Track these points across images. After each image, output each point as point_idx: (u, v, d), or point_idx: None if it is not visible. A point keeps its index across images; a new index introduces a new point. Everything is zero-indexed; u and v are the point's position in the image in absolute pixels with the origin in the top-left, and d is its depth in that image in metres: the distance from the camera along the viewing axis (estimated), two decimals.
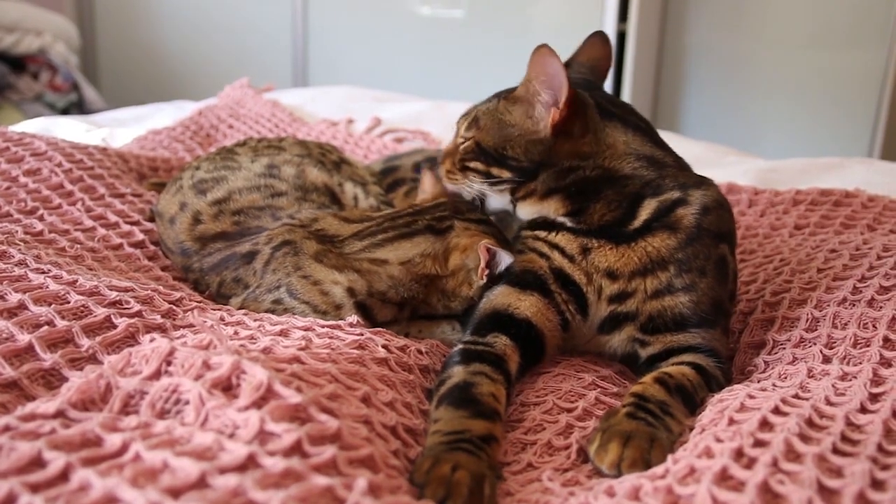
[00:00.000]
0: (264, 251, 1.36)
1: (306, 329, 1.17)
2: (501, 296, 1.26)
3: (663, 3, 4.12)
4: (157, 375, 0.90)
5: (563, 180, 1.27)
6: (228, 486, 0.70)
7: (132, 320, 1.13)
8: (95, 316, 1.12)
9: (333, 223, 1.39)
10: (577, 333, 1.29)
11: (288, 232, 1.37)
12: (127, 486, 0.69)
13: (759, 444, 0.85)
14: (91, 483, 0.70)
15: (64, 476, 0.72)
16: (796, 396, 1.00)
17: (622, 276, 1.24)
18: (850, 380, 1.05)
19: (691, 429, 1.01)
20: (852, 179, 2.08)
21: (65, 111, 4.18)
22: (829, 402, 0.97)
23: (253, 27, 4.87)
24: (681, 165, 1.32)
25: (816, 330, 1.23)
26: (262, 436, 0.79)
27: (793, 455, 0.82)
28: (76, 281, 1.20)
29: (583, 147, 1.27)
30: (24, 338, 1.02)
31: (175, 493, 0.69)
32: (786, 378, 1.12)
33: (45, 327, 1.06)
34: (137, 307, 1.18)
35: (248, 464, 0.74)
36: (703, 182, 1.31)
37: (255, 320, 1.23)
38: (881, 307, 1.21)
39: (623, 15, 3.98)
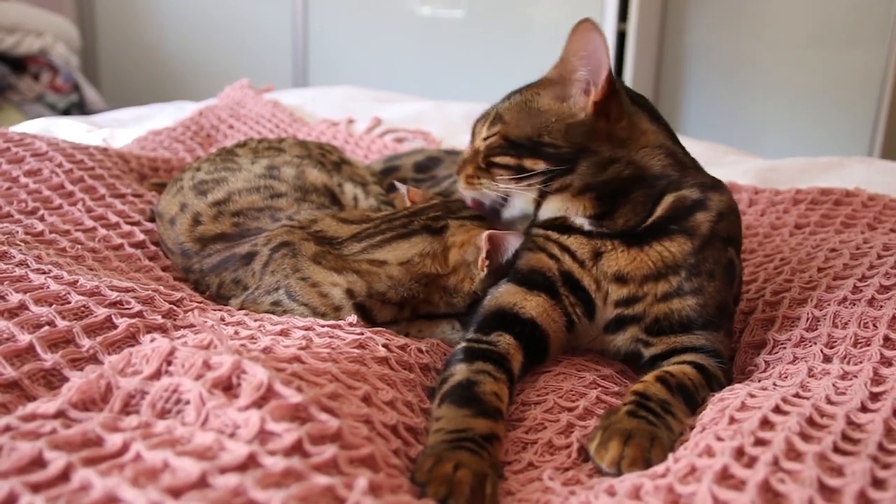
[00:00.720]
0: (263, 252, 1.36)
1: (306, 328, 1.17)
2: (507, 294, 1.26)
3: (663, 2, 4.12)
4: (157, 375, 0.90)
5: (601, 174, 1.23)
6: (229, 486, 0.70)
7: (133, 320, 1.13)
8: (96, 316, 1.12)
9: (332, 224, 1.39)
10: (582, 333, 1.29)
11: (286, 233, 1.37)
12: (128, 486, 0.69)
13: (759, 442, 0.85)
14: (92, 483, 0.70)
15: (65, 476, 0.72)
16: (797, 395, 1.00)
17: (633, 281, 1.23)
18: (851, 379, 1.05)
19: (692, 428, 1.01)
20: (852, 178, 2.07)
21: (65, 112, 4.18)
22: (829, 402, 0.97)
23: (253, 28, 4.87)
24: (695, 165, 1.32)
25: (817, 329, 1.23)
26: (263, 435, 0.79)
27: (793, 454, 0.82)
28: (77, 281, 1.20)
29: (620, 131, 1.24)
30: (24, 338, 1.02)
31: (176, 492, 0.69)
32: (786, 377, 1.12)
33: (46, 327, 1.06)
34: (138, 307, 1.18)
35: (249, 463, 0.74)
36: (718, 185, 1.30)
37: (256, 320, 1.23)
38: (881, 306, 1.21)
39: (623, 15, 3.99)
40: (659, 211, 1.24)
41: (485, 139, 1.31)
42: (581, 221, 1.27)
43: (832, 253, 1.47)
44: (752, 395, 1.01)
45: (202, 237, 1.47)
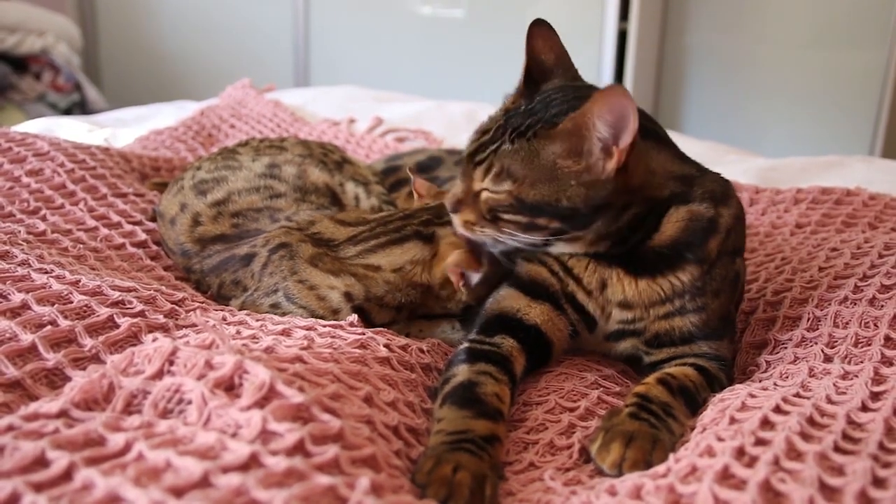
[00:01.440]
0: (261, 254, 1.36)
1: (308, 329, 1.17)
2: (510, 298, 1.25)
3: (664, 2, 4.12)
4: (159, 375, 0.90)
5: (616, 223, 1.16)
6: (231, 486, 0.70)
7: (135, 320, 1.14)
8: (98, 316, 1.12)
9: (329, 226, 1.39)
10: (584, 341, 1.29)
11: (284, 234, 1.37)
12: (130, 486, 0.69)
13: (760, 442, 0.85)
14: (94, 482, 0.70)
15: (67, 475, 0.72)
16: (797, 395, 1.00)
17: (638, 307, 1.21)
18: (852, 378, 1.05)
19: (693, 428, 1.01)
20: (853, 178, 2.07)
21: (67, 111, 4.18)
22: (830, 401, 0.97)
23: (254, 27, 4.87)
24: (699, 168, 1.27)
25: (818, 329, 1.23)
26: (265, 435, 0.79)
27: (794, 453, 0.82)
28: (79, 281, 1.20)
29: (634, 180, 1.15)
30: (27, 338, 1.02)
31: (178, 492, 0.69)
32: (787, 377, 1.12)
33: (48, 327, 1.06)
34: (140, 307, 1.18)
35: (251, 463, 0.74)
36: (726, 193, 1.26)
37: (257, 320, 1.23)
38: (882, 306, 1.21)
39: (624, 14, 3.98)
40: (669, 229, 1.19)
41: (489, 191, 1.17)
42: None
43: (833, 252, 1.47)
44: (752, 396, 1.01)
45: (202, 238, 1.47)
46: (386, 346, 1.16)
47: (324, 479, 0.73)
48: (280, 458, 0.75)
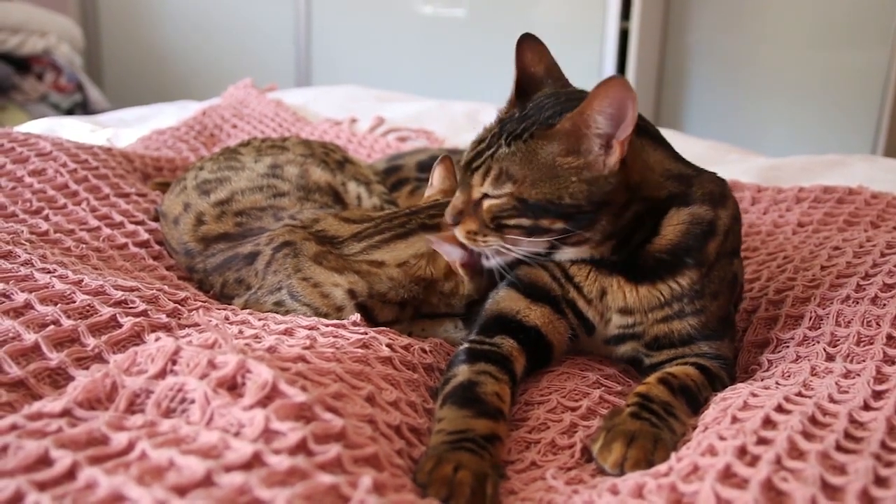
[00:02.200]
0: (265, 252, 1.36)
1: (311, 328, 1.17)
2: (509, 300, 1.25)
3: (666, 1, 4.12)
4: (162, 374, 0.90)
5: (619, 222, 1.15)
6: (234, 484, 0.70)
7: (137, 319, 1.14)
8: (101, 315, 1.12)
9: (334, 224, 1.39)
10: (584, 344, 1.29)
11: (288, 233, 1.37)
12: (133, 485, 0.69)
13: (762, 441, 0.85)
14: (98, 481, 0.71)
15: (71, 474, 0.72)
16: (799, 394, 1.00)
17: (638, 312, 1.21)
18: (854, 377, 1.05)
19: (694, 427, 1.01)
20: (855, 177, 2.07)
21: (69, 112, 4.18)
22: (832, 400, 0.97)
23: (256, 27, 4.87)
24: (696, 170, 1.27)
25: (820, 328, 1.23)
26: (268, 434, 0.79)
27: (796, 452, 0.82)
28: (82, 280, 1.21)
29: (633, 175, 1.15)
30: (30, 337, 1.02)
31: (181, 491, 0.69)
32: (789, 376, 1.12)
33: (51, 327, 1.06)
34: (143, 306, 1.18)
35: (254, 462, 0.75)
36: (724, 194, 1.26)
37: (260, 319, 1.23)
38: (885, 304, 1.21)
39: (626, 13, 3.99)
40: (669, 233, 1.19)
41: (490, 197, 1.16)
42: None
43: (835, 251, 1.47)
44: (754, 395, 1.01)
45: (205, 237, 1.47)
46: (388, 345, 1.16)
47: (326, 478, 0.74)
48: (283, 457, 0.75)
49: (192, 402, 0.85)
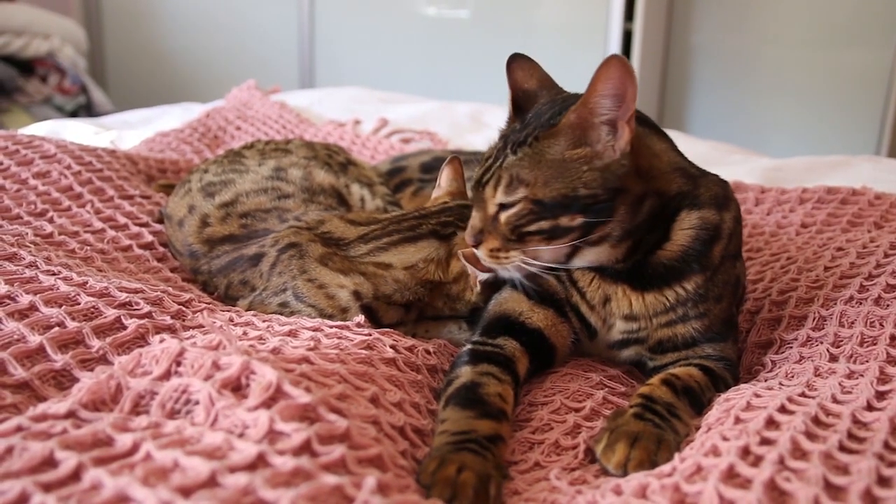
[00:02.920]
0: (270, 253, 1.37)
1: (315, 329, 1.17)
2: (512, 301, 1.25)
3: (669, 2, 4.12)
4: (167, 376, 0.90)
5: (637, 216, 1.14)
6: (238, 485, 0.71)
7: (142, 321, 1.14)
8: (106, 317, 1.13)
9: (339, 225, 1.39)
10: (587, 348, 1.29)
11: (294, 234, 1.37)
12: (138, 486, 0.69)
13: (765, 442, 0.85)
14: (102, 482, 0.71)
15: (76, 476, 0.73)
16: (803, 395, 1.00)
17: (643, 318, 1.21)
18: (857, 378, 1.05)
19: (698, 428, 1.01)
20: (859, 177, 2.07)
21: (73, 114, 4.19)
22: (835, 401, 0.97)
23: (259, 29, 4.88)
24: (700, 171, 1.26)
25: (823, 328, 1.23)
26: (272, 435, 0.79)
27: (799, 453, 0.82)
28: (86, 282, 1.21)
29: (641, 160, 1.14)
30: (35, 339, 1.02)
31: (186, 491, 0.69)
32: (792, 377, 1.12)
33: (56, 328, 1.07)
34: (147, 308, 1.19)
35: (258, 463, 0.75)
36: (727, 196, 1.26)
37: (264, 321, 1.23)
38: (888, 305, 1.21)
39: (629, 14, 3.99)
40: (680, 238, 1.19)
41: (505, 206, 1.15)
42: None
43: (839, 252, 1.47)
44: (757, 395, 1.01)
45: (210, 239, 1.47)
46: (392, 347, 1.16)
47: (330, 479, 0.74)
48: (287, 458, 0.75)
49: (197, 403, 0.86)
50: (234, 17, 4.91)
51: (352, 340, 1.13)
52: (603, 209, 1.12)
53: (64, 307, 1.11)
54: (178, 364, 0.91)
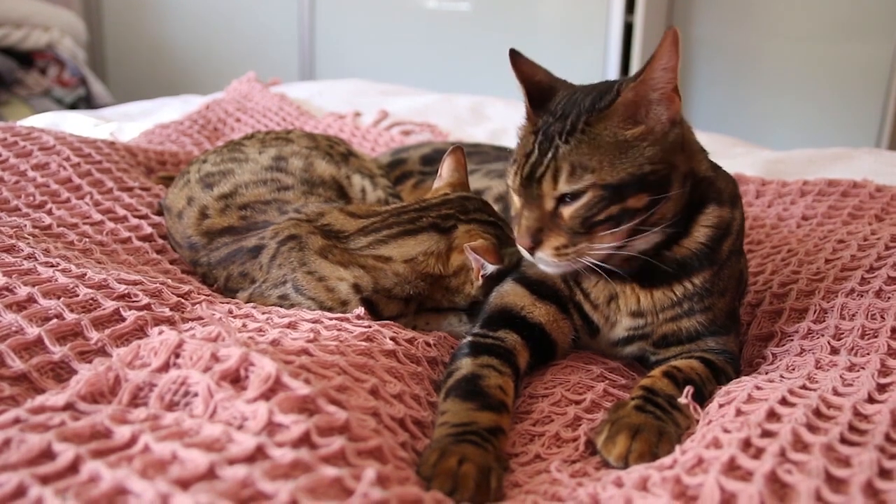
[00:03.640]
0: (270, 245, 1.36)
1: (314, 321, 1.17)
2: (514, 295, 1.25)
3: None
4: (165, 368, 0.90)
5: (683, 194, 1.13)
6: (237, 477, 0.70)
7: (141, 313, 1.14)
8: (104, 309, 1.12)
9: (339, 218, 1.39)
10: (588, 344, 1.29)
11: (294, 226, 1.37)
12: (136, 478, 0.69)
13: (766, 434, 0.85)
14: (100, 475, 0.71)
15: (73, 468, 0.72)
16: (804, 387, 1.00)
17: (650, 314, 1.21)
18: (858, 370, 1.05)
19: (698, 420, 1.01)
20: (860, 170, 2.07)
21: (73, 106, 4.18)
22: (836, 393, 0.97)
23: (260, 21, 4.87)
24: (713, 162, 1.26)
25: (824, 321, 1.23)
26: (271, 427, 0.79)
27: (800, 445, 0.82)
28: (85, 274, 1.21)
29: (687, 133, 1.16)
30: (33, 331, 1.02)
31: (184, 484, 0.69)
32: (793, 369, 1.12)
33: (55, 320, 1.06)
34: (146, 300, 1.18)
35: (257, 455, 0.75)
36: (736, 193, 1.27)
37: (263, 313, 1.23)
38: (889, 298, 1.21)
39: (630, 7, 3.98)
40: (699, 234, 1.18)
41: (570, 200, 1.10)
42: None
43: (840, 244, 1.47)
44: (758, 388, 1.01)
45: (209, 231, 1.47)
46: (392, 339, 1.16)
47: (330, 471, 0.73)
48: (286, 450, 0.75)
49: (196, 395, 0.85)
50: (235, 9, 4.90)
51: (351, 332, 1.13)
52: (663, 185, 1.10)
53: (62, 299, 1.11)
54: (177, 356, 0.91)
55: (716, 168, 1.24)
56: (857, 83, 3.78)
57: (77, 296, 1.14)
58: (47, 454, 0.74)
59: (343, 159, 1.72)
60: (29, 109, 3.87)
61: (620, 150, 1.08)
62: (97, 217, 1.56)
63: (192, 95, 3.21)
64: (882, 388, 0.98)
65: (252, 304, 1.30)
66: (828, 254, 1.44)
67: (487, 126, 2.78)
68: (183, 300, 1.24)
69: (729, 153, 2.44)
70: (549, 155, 1.10)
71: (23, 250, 1.28)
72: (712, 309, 1.20)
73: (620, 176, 1.07)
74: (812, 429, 0.85)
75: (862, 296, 1.24)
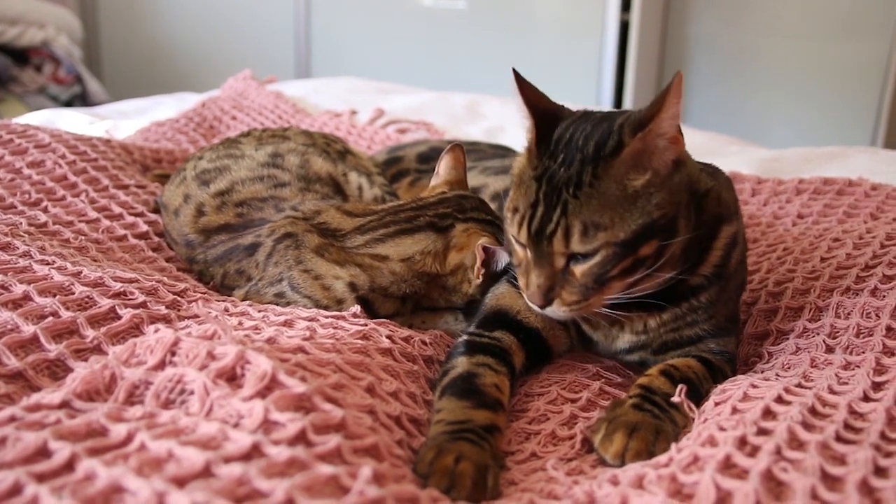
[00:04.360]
0: (266, 243, 1.36)
1: (310, 319, 1.17)
2: (510, 297, 1.24)
3: None
4: (161, 366, 0.90)
5: (689, 224, 1.10)
6: (233, 475, 0.70)
7: (137, 311, 1.14)
8: (100, 307, 1.12)
9: (336, 216, 1.39)
10: (586, 350, 1.29)
11: (290, 224, 1.37)
12: (132, 476, 0.69)
13: (762, 432, 0.85)
14: (96, 472, 0.71)
15: (69, 466, 0.72)
16: (799, 385, 1.00)
17: (653, 331, 1.20)
18: (853, 369, 1.05)
19: (694, 419, 1.01)
20: (855, 168, 2.07)
21: (68, 103, 4.18)
22: (831, 391, 0.97)
23: (256, 19, 4.87)
24: (706, 165, 1.24)
25: (819, 319, 1.23)
26: (267, 425, 0.79)
27: (796, 443, 0.82)
28: (81, 272, 1.20)
29: (682, 174, 1.09)
30: (28, 329, 1.02)
31: (180, 482, 0.69)
32: (789, 368, 1.12)
33: (50, 318, 1.06)
34: (142, 298, 1.18)
35: (253, 453, 0.75)
36: (736, 199, 1.26)
37: (260, 311, 1.23)
38: (884, 296, 1.21)
39: (626, 5, 3.98)
40: (713, 258, 1.17)
41: (583, 258, 1.06)
42: None
43: (835, 243, 1.47)
44: (754, 386, 1.01)
45: (206, 228, 1.47)
46: (388, 337, 1.16)
47: (326, 469, 0.73)
48: (282, 448, 0.75)
49: (192, 393, 0.85)
50: (231, 7, 4.89)
51: (347, 330, 1.13)
52: (671, 227, 1.07)
53: (58, 297, 1.11)
54: (173, 354, 0.91)
55: (714, 173, 1.23)
56: (853, 82, 3.78)
57: (73, 294, 1.14)
58: (43, 452, 0.74)
59: (340, 157, 1.72)
60: (24, 107, 3.86)
61: (630, 201, 1.04)
62: (93, 215, 1.56)
63: (187, 93, 3.21)
64: (877, 386, 0.99)
65: (248, 302, 1.30)
66: (823, 252, 1.44)
67: (483, 124, 2.78)
68: (179, 298, 1.24)
69: (725, 151, 2.44)
70: (559, 210, 1.05)
71: (18, 248, 1.28)
72: (715, 317, 1.20)
73: (632, 229, 1.03)
74: (808, 427, 0.85)
75: (857, 294, 1.25)
